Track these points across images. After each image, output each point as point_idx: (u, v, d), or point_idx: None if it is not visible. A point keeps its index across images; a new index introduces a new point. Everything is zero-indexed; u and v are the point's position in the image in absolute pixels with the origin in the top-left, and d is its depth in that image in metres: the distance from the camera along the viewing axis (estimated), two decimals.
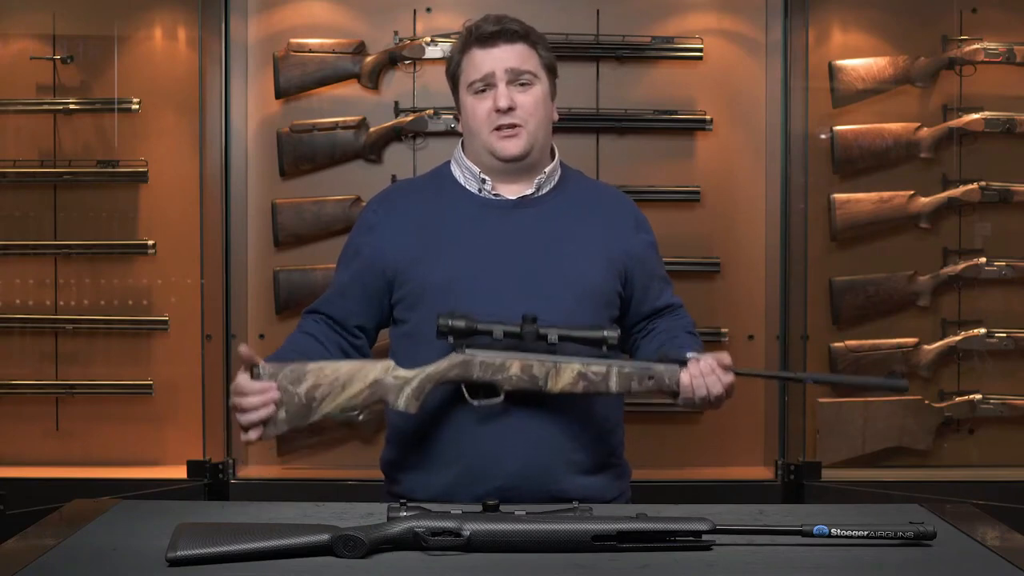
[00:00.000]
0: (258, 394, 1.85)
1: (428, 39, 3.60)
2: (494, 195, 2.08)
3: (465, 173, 2.10)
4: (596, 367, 1.88)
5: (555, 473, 1.97)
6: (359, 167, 3.67)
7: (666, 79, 3.71)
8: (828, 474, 3.55)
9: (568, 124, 3.58)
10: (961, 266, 3.66)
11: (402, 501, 1.62)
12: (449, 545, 1.55)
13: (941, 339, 3.68)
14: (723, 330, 3.64)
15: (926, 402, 3.66)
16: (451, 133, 3.57)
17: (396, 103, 3.65)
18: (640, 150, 3.69)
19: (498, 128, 2.03)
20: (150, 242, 3.62)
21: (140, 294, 3.70)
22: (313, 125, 3.64)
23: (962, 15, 3.67)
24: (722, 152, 3.73)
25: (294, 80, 3.62)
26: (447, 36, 3.55)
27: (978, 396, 3.66)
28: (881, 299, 3.66)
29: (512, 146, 2.03)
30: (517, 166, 2.06)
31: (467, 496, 1.92)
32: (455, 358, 1.87)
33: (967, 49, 3.64)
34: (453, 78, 2.11)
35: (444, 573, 1.49)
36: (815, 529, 1.59)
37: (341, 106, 3.67)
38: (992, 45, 3.63)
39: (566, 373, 1.88)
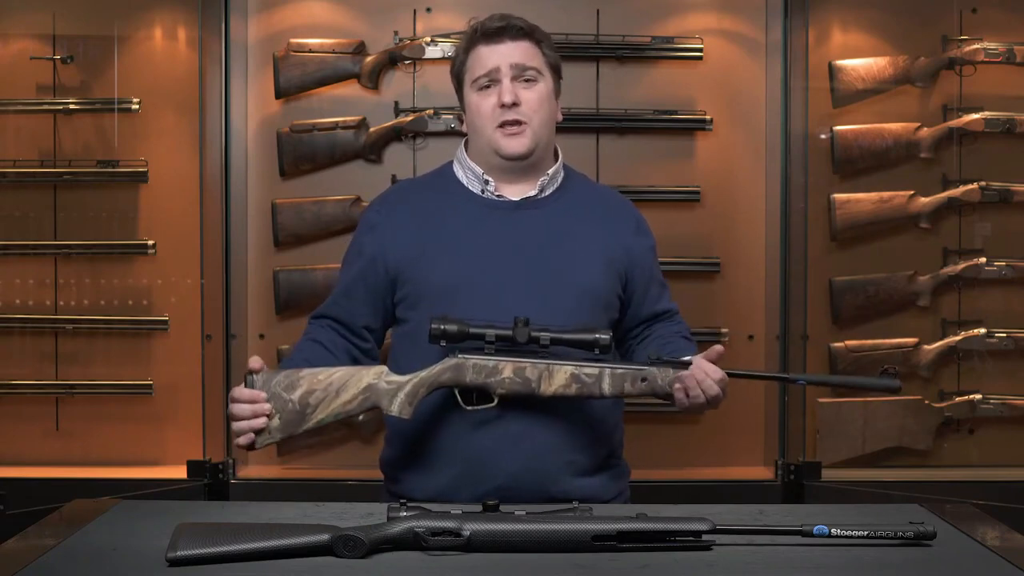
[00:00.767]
0: (248, 403, 1.84)
1: (428, 39, 3.60)
2: (497, 196, 2.08)
3: (468, 174, 2.10)
4: (589, 369, 1.88)
5: (555, 473, 1.97)
6: (359, 167, 3.66)
7: (666, 79, 3.71)
8: (828, 474, 3.55)
9: (568, 124, 3.56)
10: (961, 266, 3.66)
11: (402, 501, 1.62)
12: (449, 545, 1.55)
13: (941, 339, 3.68)
14: (723, 330, 3.64)
15: (926, 402, 3.66)
16: (451, 133, 3.57)
17: (396, 103, 3.65)
18: (640, 150, 3.69)
19: (502, 125, 2.03)
20: (150, 242, 3.62)
21: (140, 294, 3.70)
22: (313, 125, 3.63)
23: (962, 15, 3.67)
24: (722, 152, 3.73)
25: (294, 80, 3.62)
26: (447, 36, 3.55)
27: (978, 396, 3.66)
28: (881, 299, 3.66)
29: (517, 144, 2.03)
30: (521, 165, 2.06)
31: (467, 496, 1.92)
32: (448, 362, 1.87)
33: (967, 49, 3.64)
34: (458, 76, 2.11)
35: (444, 573, 1.49)
36: (815, 529, 1.59)
37: (341, 106, 3.67)
38: (992, 45, 3.63)
39: (559, 375, 1.88)
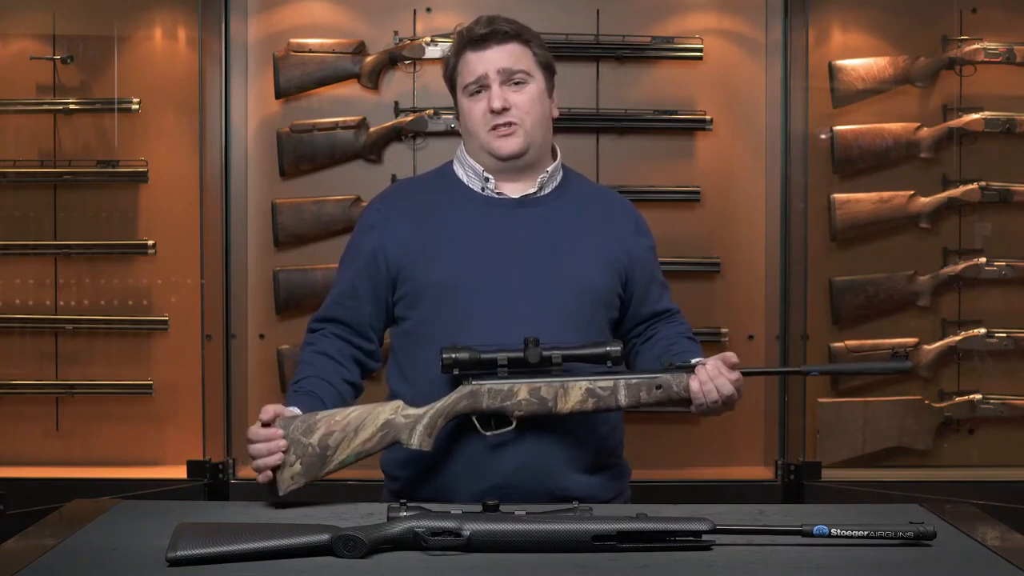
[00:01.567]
0: (264, 441, 1.84)
1: (428, 39, 3.60)
2: (497, 194, 2.08)
3: (468, 172, 2.10)
4: (603, 382, 1.88)
5: (554, 472, 1.97)
6: (359, 167, 3.67)
7: (666, 79, 3.71)
8: (828, 474, 3.55)
9: (568, 124, 3.58)
10: (961, 266, 3.66)
11: (402, 501, 1.62)
12: (449, 545, 1.55)
13: (941, 339, 3.68)
14: (723, 330, 3.64)
15: (926, 402, 3.66)
16: (451, 133, 3.57)
17: (396, 103, 3.66)
18: (640, 150, 3.69)
19: (494, 128, 2.03)
20: (150, 242, 3.62)
21: (140, 294, 3.70)
22: (313, 125, 3.64)
23: (962, 15, 3.67)
24: (722, 152, 3.73)
25: (294, 80, 3.62)
26: (447, 36, 3.55)
27: (978, 396, 3.66)
28: (881, 299, 3.66)
29: (509, 144, 2.04)
30: (516, 164, 2.06)
31: (467, 494, 1.92)
32: (463, 389, 1.87)
33: (967, 49, 3.64)
34: (450, 81, 2.12)
35: (444, 573, 1.49)
36: (815, 529, 1.59)
37: (341, 106, 3.67)
38: (992, 45, 3.63)
39: (574, 392, 1.87)
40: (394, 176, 3.57)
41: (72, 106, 3.64)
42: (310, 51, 3.62)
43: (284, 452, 1.82)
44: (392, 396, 2.07)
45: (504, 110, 2.02)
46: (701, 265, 3.66)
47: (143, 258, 3.66)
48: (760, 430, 3.73)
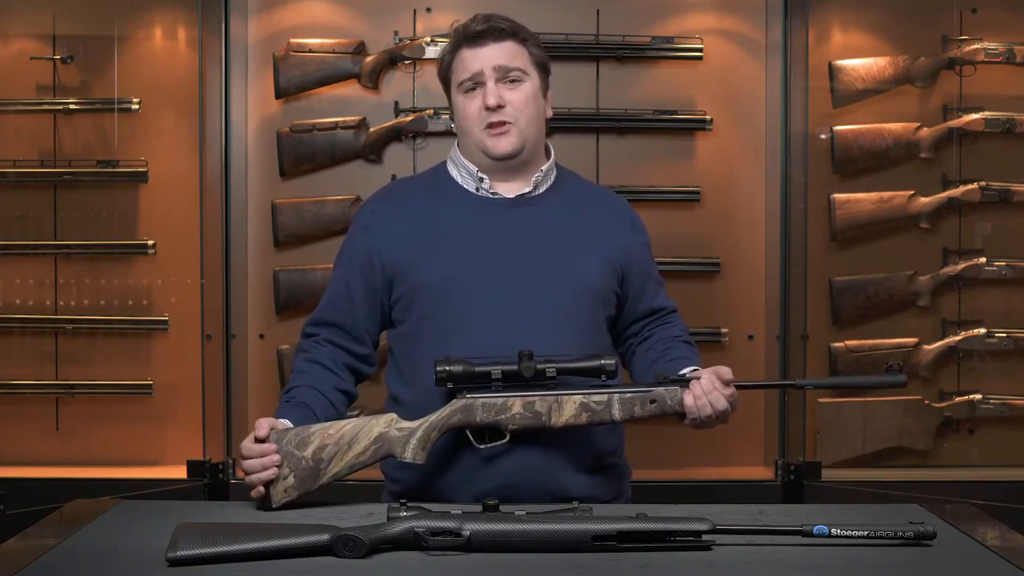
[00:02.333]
0: (258, 456, 1.83)
1: (428, 39, 3.60)
2: (492, 193, 2.08)
3: (462, 172, 2.10)
4: (597, 397, 1.88)
5: (554, 472, 1.97)
6: (359, 167, 3.67)
7: (666, 79, 3.71)
8: (828, 474, 3.55)
9: (568, 124, 3.58)
10: (961, 266, 3.66)
11: (402, 501, 1.61)
12: (449, 545, 1.55)
13: (941, 339, 3.68)
14: (723, 330, 3.65)
15: (926, 402, 3.66)
16: (451, 133, 3.53)
17: (396, 103, 3.66)
18: (640, 150, 3.69)
19: (489, 126, 2.03)
20: (150, 242, 3.62)
21: (140, 294, 3.70)
22: (313, 125, 3.64)
23: (962, 15, 3.67)
24: (722, 152, 3.73)
25: (294, 80, 3.62)
26: (447, 36, 3.54)
27: (978, 396, 3.66)
28: (881, 299, 3.66)
29: (504, 144, 2.04)
30: (510, 164, 2.06)
31: (467, 495, 1.92)
32: (456, 403, 1.86)
33: (967, 49, 3.64)
34: (445, 79, 2.12)
35: (444, 573, 1.49)
36: (815, 529, 1.59)
37: (341, 106, 3.67)
38: (992, 45, 3.63)
39: (568, 406, 1.87)
40: (394, 176, 3.56)
41: (72, 106, 3.64)
42: (310, 51, 3.62)
43: (278, 467, 1.82)
44: (391, 398, 2.07)
45: (499, 107, 2.02)
46: (701, 265, 3.66)
47: (143, 258, 3.66)
48: (760, 430, 3.73)
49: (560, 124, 3.54)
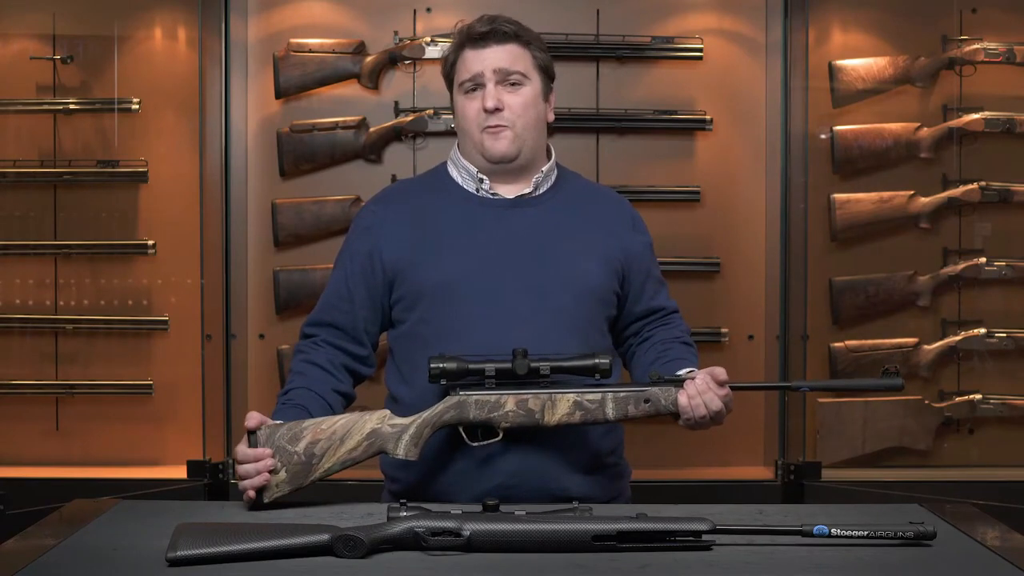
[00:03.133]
0: (252, 461, 1.83)
1: (428, 39, 3.60)
2: (492, 194, 2.08)
3: (462, 173, 2.10)
4: (591, 395, 1.87)
5: (554, 472, 1.97)
6: (359, 167, 3.67)
7: (666, 79, 3.71)
8: (828, 474, 3.55)
9: (568, 124, 3.58)
10: (961, 266, 3.66)
11: (402, 501, 1.61)
12: (449, 545, 1.55)
13: (941, 339, 3.68)
14: (723, 330, 3.65)
15: (926, 402, 3.66)
16: (451, 133, 3.56)
17: (396, 103, 3.66)
18: (640, 150, 3.69)
19: (487, 128, 2.03)
20: (150, 242, 3.62)
21: (140, 294, 3.70)
22: (313, 125, 3.64)
23: (962, 15, 3.67)
24: (722, 152, 3.73)
25: (294, 80, 3.62)
26: (447, 36, 3.54)
27: (978, 396, 3.66)
28: (881, 299, 3.66)
29: (500, 146, 2.04)
30: (508, 166, 2.06)
31: (467, 495, 1.92)
32: (450, 400, 1.86)
33: (967, 49, 3.64)
34: (448, 78, 2.12)
35: (444, 573, 1.49)
36: (815, 529, 1.59)
37: (341, 106, 3.67)
38: (992, 45, 3.63)
39: (562, 404, 1.87)
40: (394, 176, 3.57)
41: (72, 106, 3.64)
42: (310, 51, 3.62)
43: (271, 472, 1.82)
44: (391, 398, 2.07)
45: (497, 110, 2.02)
46: (701, 265, 3.66)
47: (143, 258, 3.66)
48: (760, 430, 3.73)
49: (560, 124, 3.53)
